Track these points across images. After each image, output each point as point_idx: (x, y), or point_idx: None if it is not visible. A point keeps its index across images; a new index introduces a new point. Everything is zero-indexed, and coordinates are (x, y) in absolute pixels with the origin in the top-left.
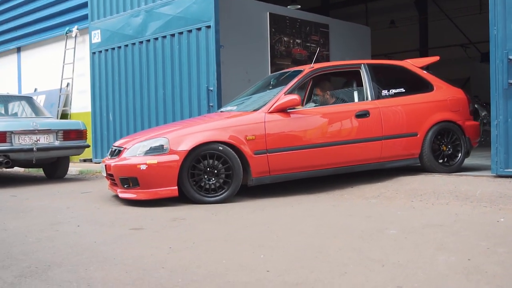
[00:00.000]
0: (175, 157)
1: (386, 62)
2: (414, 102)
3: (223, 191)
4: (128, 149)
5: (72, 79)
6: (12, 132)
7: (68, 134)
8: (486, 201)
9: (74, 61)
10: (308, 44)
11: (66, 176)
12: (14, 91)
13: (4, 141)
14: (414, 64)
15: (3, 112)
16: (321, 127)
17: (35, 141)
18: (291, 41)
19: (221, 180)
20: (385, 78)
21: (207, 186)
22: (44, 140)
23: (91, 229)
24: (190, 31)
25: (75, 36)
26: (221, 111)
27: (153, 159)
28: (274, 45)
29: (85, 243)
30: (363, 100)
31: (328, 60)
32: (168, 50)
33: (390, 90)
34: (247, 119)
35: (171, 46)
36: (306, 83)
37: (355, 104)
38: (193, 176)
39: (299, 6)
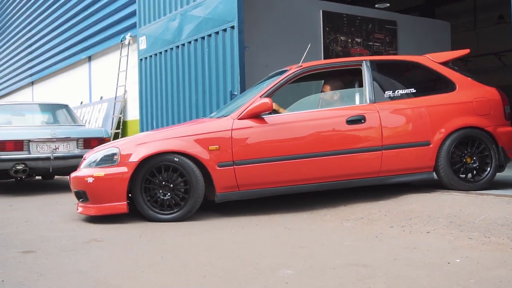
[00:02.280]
0: (123, 169)
1: (395, 58)
2: (427, 104)
3: (179, 208)
4: (85, 159)
5: (124, 87)
6: (30, 141)
7: (89, 142)
8: (479, 230)
9: (127, 68)
10: (371, 43)
11: None
12: (86, 100)
13: (21, 149)
14: (433, 60)
15: (45, 119)
16: (302, 135)
17: (53, 149)
18: (349, 40)
19: (180, 196)
20: (393, 77)
21: (163, 202)
22: (64, 149)
23: None
24: (217, 32)
25: (128, 43)
26: (210, 117)
27: (101, 171)
28: (328, 45)
29: None
30: (362, 103)
31: None
32: (199, 54)
33: (396, 91)
34: (211, 126)
35: (201, 49)
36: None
37: (348, 108)
38: (148, 191)
39: (388, 5)
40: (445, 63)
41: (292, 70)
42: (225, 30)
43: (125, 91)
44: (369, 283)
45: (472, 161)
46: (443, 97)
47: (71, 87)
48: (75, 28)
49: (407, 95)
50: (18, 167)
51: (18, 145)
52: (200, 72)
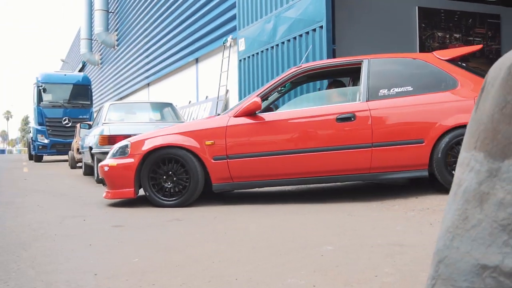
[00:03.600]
0: (132, 160)
1: (398, 56)
2: (422, 102)
3: (181, 195)
4: (111, 151)
5: (226, 86)
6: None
7: None
8: None
9: (228, 69)
10: (471, 39)
11: None
12: (193, 99)
13: None
14: (439, 57)
15: (152, 117)
16: (293, 131)
17: None
18: (447, 36)
19: (182, 185)
20: (393, 75)
21: (167, 190)
22: None
23: None
24: (307, 32)
25: (230, 45)
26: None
27: (115, 162)
28: (424, 42)
29: None
30: (356, 101)
31: (499, 56)
32: (291, 53)
33: (392, 89)
34: (209, 123)
35: (293, 49)
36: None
37: (339, 106)
38: (154, 180)
39: None
40: (451, 60)
41: (290, 70)
42: (314, 30)
43: (227, 91)
44: (396, 258)
45: None
46: (442, 95)
47: (181, 87)
48: (184, 32)
49: (404, 93)
50: None
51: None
52: None
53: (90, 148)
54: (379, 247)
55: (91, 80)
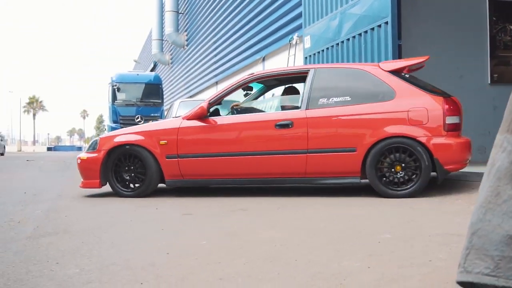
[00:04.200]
0: (97, 155)
1: (343, 66)
2: (357, 112)
3: (138, 187)
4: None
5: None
6: None
7: None
8: None
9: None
10: None
11: None
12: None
13: None
14: (383, 68)
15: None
16: (236, 136)
17: None
18: None
19: (140, 178)
20: (335, 85)
21: (127, 181)
22: None
23: None
24: (372, 29)
25: (295, 43)
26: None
27: (85, 155)
28: (495, 35)
29: None
30: (297, 109)
31: None
32: (356, 50)
33: (331, 99)
34: (165, 124)
35: (358, 46)
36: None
37: (279, 113)
38: (118, 172)
39: None
40: (395, 72)
41: (243, 77)
42: (379, 26)
43: None
44: (452, 246)
45: (401, 170)
46: (377, 106)
47: None
48: (251, 31)
49: (342, 103)
50: None
51: None
52: None
53: None
54: (437, 236)
55: (162, 79)
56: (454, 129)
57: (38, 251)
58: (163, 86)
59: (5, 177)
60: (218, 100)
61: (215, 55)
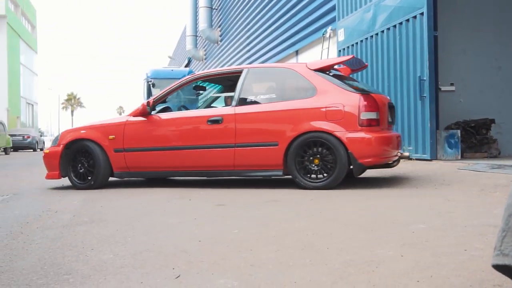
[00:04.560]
0: (58, 149)
1: (272, 66)
2: (280, 109)
3: (89, 180)
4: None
5: None
6: None
7: None
8: None
9: None
10: None
11: None
12: None
13: None
14: (309, 67)
15: None
16: (173, 131)
17: None
18: None
19: (91, 171)
20: (264, 84)
21: (81, 174)
22: None
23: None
24: (407, 20)
25: (329, 36)
26: None
27: (48, 149)
28: None
29: None
30: (229, 106)
31: None
32: (391, 42)
33: (258, 96)
34: (113, 120)
35: (393, 37)
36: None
37: (212, 110)
38: (74, 166)
39: None
40: (321, 70)
41: (185, 78)
42: (415, 17)
43: None
44: (488, 236)
45: (319, 163)
46: (298, 102)
47: None
48: (284, 25)
49: (268, 100)
50: None
51: None
52: (392, 60)
53: None
54: (473, 227)
55: None
56: (370, 124)
57: (75, 238)
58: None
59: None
60: (161, 99)
61: (248, 50)
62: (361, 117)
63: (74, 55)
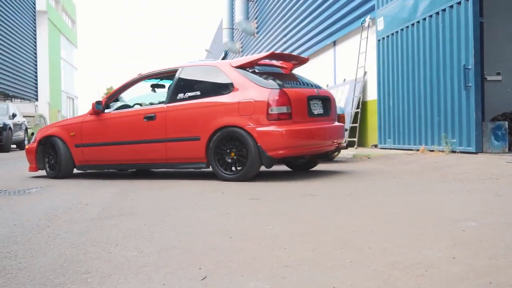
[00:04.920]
0: (33, 145)
1: (201, 64)
2: (202, 105)
3: (55, 170)
4: None
5: (364, 68)
6: None
7: None
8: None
9: (366, 50)
10: None
11: (338, 158)
12: (331, 83)
13: None
14: (232, 64)
15: None
16: (116, 128)
17: None
18: None
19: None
20: (194, 81)
21: (50, 165)
22: None
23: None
24: (451, 6)
25: (368, 25)
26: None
27: (28, 145)
28: None
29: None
30: (163, 103)
31: None
32: (433, 29)
33: (186, 94)
34: (75, 119)
35: (436, 25)
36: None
37: (148, 107)
38: (46, 158)
39: None
40: (241, 67)
41: (133, 77)
42: (459, 3)
43: (365, 72)
44: None
45: (234, 156)
46: (218, 98)
47: (318, 71)
48: (321, 16)
49: (194, 97)
50: None
51: None
52: (435, 48)
53: None
54: None
55: None
56: (279, 118)
57: (100, 233)
58: None
59: None
60: (113, 98)
61: (285, 42)
62: (270, 112)
63: (114, 49)
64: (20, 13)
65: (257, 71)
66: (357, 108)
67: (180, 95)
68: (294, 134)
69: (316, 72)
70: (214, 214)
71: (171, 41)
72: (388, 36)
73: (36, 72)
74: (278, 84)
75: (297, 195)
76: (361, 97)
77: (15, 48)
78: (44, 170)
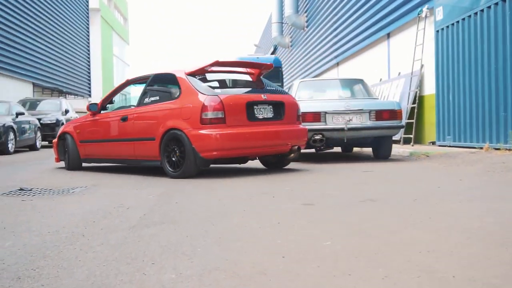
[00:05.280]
0: (55, 140)
1: (164, 72)
2: (157, 109)
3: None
4: None
5: (421, 61)
6: (326, 113)
7: (381, 115)
8: None
9: (423, 42)
10: None
11: (393, 156)
12: (384, 77)
13: (319, 120)
14: (185, 71)
15: (342, 94)
16: (103, 127)
17: (347, 121)
18: None
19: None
20: (158, 87)
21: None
22: (357, 120)
23: None
24: None
25: (425, 16)
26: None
27: (54, 140)
28: None
29: None
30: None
31: None
32: (499, 18)
33: (150, 98)
34: (82, 118)
35: (502, 13)
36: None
37: (125, 110)
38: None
39: None
40: (192, 74)
41: (122, 82)
42: None
43: (422, 65)
44: None
45: (178, 156)
46: (168, 104)
47: (371, 65)
48: (374, 7)
49: (154, 102)
50: (316, 137)
51: (316, 116)
52: (501, 39)
53: None
54: None
55: (282, 62)
56: (211, 122)
57: (137, 246)
58: (283, 68)
59: None
60: (107, 100)
61: (336, 35)
62: (203, 116)
63: (165, 46)
64: (74, 11)
65: (199, 78)
66: (413, 103)
67: (146, 100)
68: (226, 137)
69: (368, 66)
70: (264, 223)
71: (221, 37)
72: (447, 27)
73: (89, 69)
74: (217, 91)
75: (355, 201)
76: (418, 92)
77: (69, 46)
78: (63, 162)
